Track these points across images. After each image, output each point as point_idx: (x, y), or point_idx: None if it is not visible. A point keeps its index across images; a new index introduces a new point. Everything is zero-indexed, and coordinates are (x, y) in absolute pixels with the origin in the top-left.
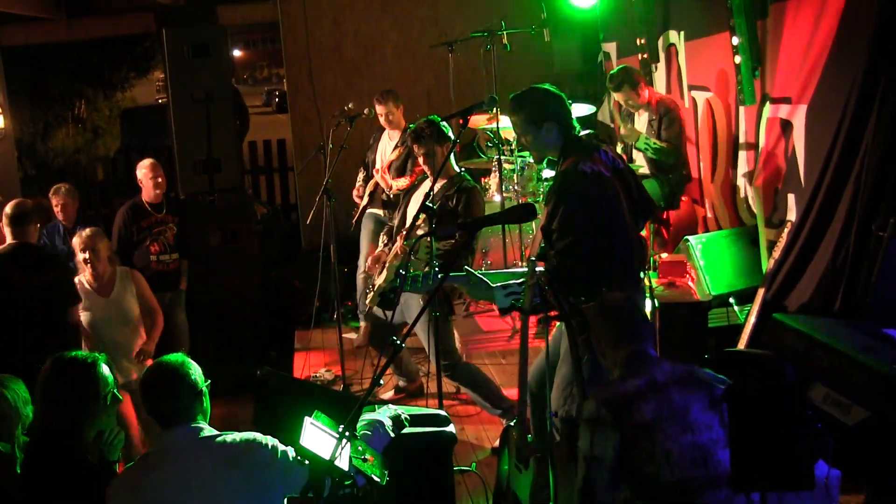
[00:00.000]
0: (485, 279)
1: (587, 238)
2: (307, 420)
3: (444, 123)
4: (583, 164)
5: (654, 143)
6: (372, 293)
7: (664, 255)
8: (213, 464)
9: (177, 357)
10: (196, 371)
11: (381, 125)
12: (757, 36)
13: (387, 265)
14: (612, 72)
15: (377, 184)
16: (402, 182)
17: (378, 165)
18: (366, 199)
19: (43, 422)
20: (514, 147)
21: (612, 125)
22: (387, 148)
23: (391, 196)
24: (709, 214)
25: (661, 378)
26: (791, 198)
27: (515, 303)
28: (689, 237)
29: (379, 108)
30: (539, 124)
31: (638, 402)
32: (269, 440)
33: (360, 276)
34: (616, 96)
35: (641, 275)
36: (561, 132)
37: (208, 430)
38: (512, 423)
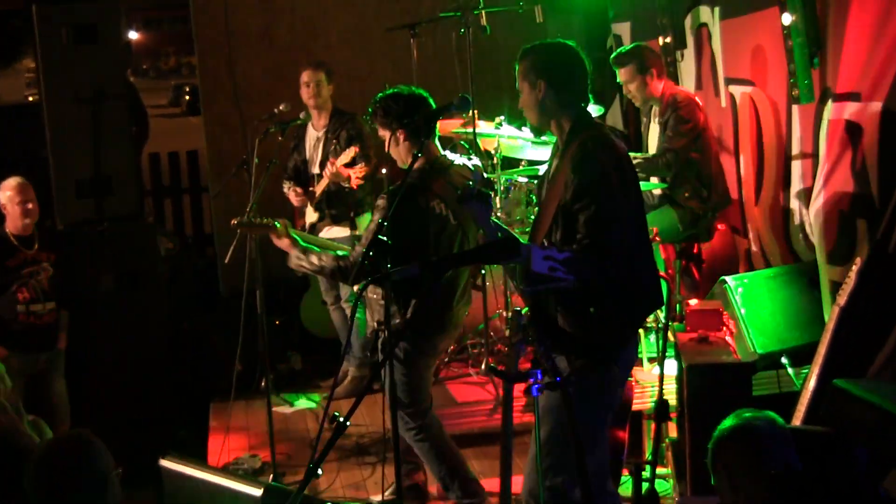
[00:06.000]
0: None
1: (628, 220)
2: None
3: (405, 92)
4: (614, 138)
5: (635, 155)
6: None
7: (694, 302)
8: None
9: (77, 435)
10: (103, 454)
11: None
12: (816, 12)
13: None
14: (622, 47)
15: (328, 188)
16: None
17: (315, 169)
18: (312, 215)
19: None
20: (496, 162)
21: (626, 131)
22: (319, 143)
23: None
24: (753, 248)
25: None
26: (861, 225)
27: (552, 273)
28: (727, 278)
29: (306, 76)
30: (534, 81)
31: None
32: None
33: (331, 309)
34: (619, 73)
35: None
36: (567, 103)
37: None
38: None
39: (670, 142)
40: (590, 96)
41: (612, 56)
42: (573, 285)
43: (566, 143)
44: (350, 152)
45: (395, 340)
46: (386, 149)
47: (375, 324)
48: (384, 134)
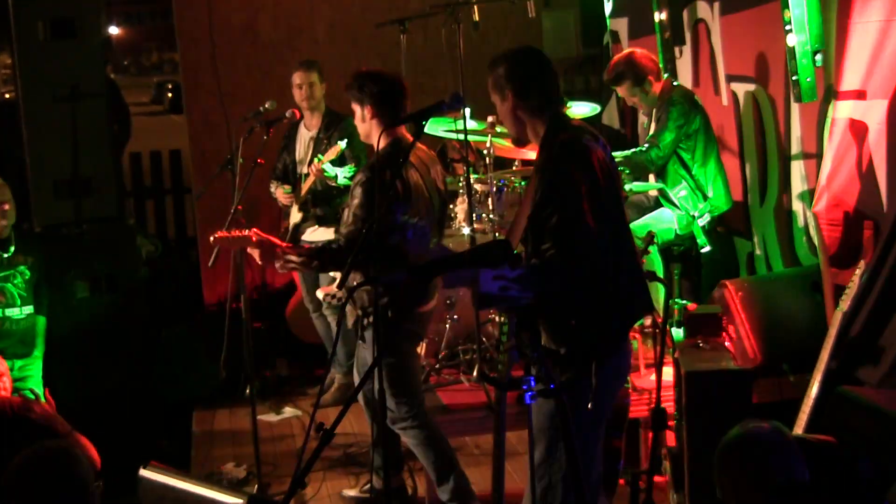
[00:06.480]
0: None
1: (599, 225)
2: None
3: (387, 76)
4: (587, 138)
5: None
6: None
7: (693, 306)
8: None
9: (56, 446)
10: (83, 465)
11: (292, 121)
12: (819, 7)
13: None
14: (615, 59)
15: (315, 187)
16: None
17: (305, 169)
18: (296, 216)
19: None
20: (488, 162)
21: (622, 131)
22: (311, 143)
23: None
24: (757, 251)
25: None
26: (867, 227)
27: (504, 292)
28: (728, 282)
29: (298, 78)
30: (502, 92)
31: None
32: None
33: (314, 317)
34: (617, 91)
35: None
36: (537, 108)
37: None
38: None
39: (655, 138)
40: (562, 96)
41: (604, 75)
42: (531, 301)
43: (540, 148)
44: (336, 149)
45: (386, 322)
46: (357, 119)
47: (360, 311)
48: (355, 106)
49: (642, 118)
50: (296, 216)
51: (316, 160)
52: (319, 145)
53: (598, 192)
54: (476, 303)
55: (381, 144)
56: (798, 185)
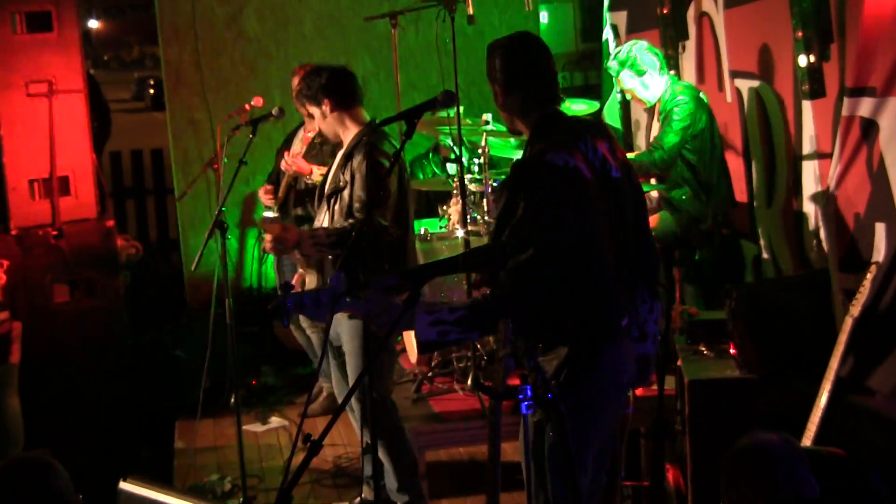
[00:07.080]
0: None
1: (555, 253)
2: None
3: (325, 67)
4: (554, 153)
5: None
6: None
7: (696, 312)
8: None
9: (34, 457)
10: (63, 478)
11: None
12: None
13: None
14: (621, 47)
15: (288, 191)
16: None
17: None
18: (274, 215)
19: None
20: (482, 161)
21: (623, 129)
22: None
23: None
24: (764, 255)
25: None
26: (879, 229)
27: (443, 337)
28: (733, 286)
29: (297, 81)
30: (492, 83)
31: None
32: None
33: (292, 328)
34: (616, 82)
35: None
36: (526, 106)
37: None
38: None
39: (659, 140)
40: (557, 94)
41: (605, 63)
42: (479, 337)
43: (523, 152)
44: (306, 140)
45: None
46: (320, 122)
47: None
48: (313, 110)
49: (640, 115)
50: (273, 216)
51: (285, 155)
52: (312, 149)
53: (554, 207)
54: (418, 349)
55: (352, 131)
56: (811, 185)
